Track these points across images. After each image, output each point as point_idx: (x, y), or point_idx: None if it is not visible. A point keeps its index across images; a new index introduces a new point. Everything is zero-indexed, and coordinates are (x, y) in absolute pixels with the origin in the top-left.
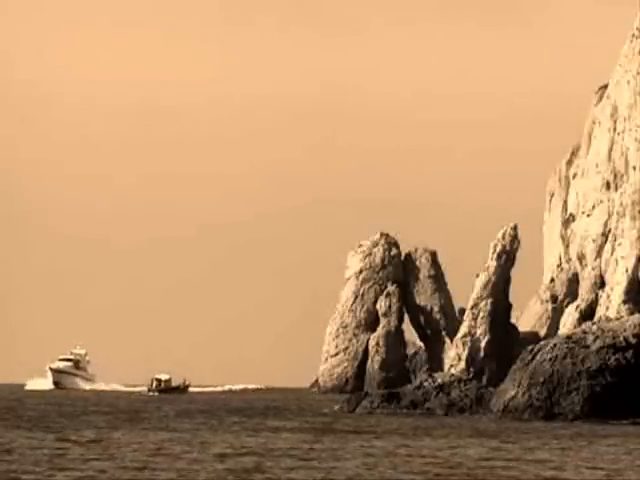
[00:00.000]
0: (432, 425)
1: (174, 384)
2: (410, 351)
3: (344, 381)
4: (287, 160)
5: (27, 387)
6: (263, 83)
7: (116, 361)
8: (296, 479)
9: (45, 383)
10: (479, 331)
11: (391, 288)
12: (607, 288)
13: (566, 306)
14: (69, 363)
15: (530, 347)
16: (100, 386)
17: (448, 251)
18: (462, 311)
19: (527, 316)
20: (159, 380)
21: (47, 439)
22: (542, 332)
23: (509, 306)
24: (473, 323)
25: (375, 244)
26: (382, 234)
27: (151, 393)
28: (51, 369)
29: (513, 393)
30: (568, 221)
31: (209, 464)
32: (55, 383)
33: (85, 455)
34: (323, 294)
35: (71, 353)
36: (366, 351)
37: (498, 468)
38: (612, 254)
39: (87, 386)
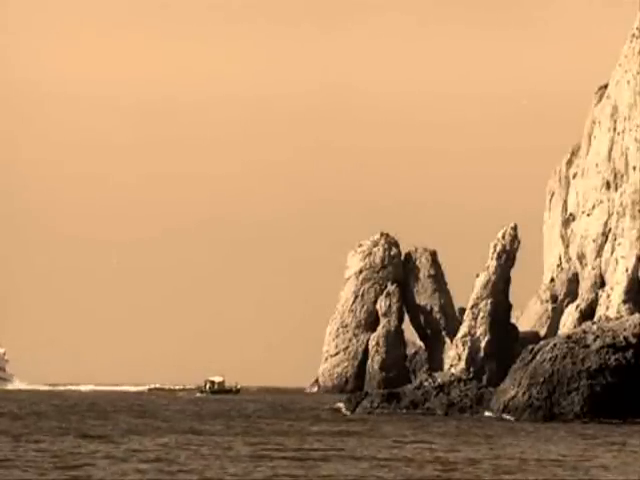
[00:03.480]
0: None
1: (227, 386)
2: (410, 351)
3: (344, 381)
4: (287, 160)
5: None
6: (263, 83)
7: (116, 361)
8: None
9: None
10: (479, 331)
11: (391, 288)
12: (607, 288)
13: (566, 306)
14: None
15: (530, 347)
16: (18, 386)
17: (448, 251)
18: (462, 311)
19: (527, 316)
20: (212, 382)
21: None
22: (542, 332)
23: (509, 306)
24: (473, 323)
25: (375, 244)
26: (382, 234)
27: (199, 394)
28: None
29: (513, 393)
30: (568, 221)
31: None
32: None
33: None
34: (323, 294)
35: None
36: (366, 351)
37: None
38: (612, 254)
39: (5, 386)
